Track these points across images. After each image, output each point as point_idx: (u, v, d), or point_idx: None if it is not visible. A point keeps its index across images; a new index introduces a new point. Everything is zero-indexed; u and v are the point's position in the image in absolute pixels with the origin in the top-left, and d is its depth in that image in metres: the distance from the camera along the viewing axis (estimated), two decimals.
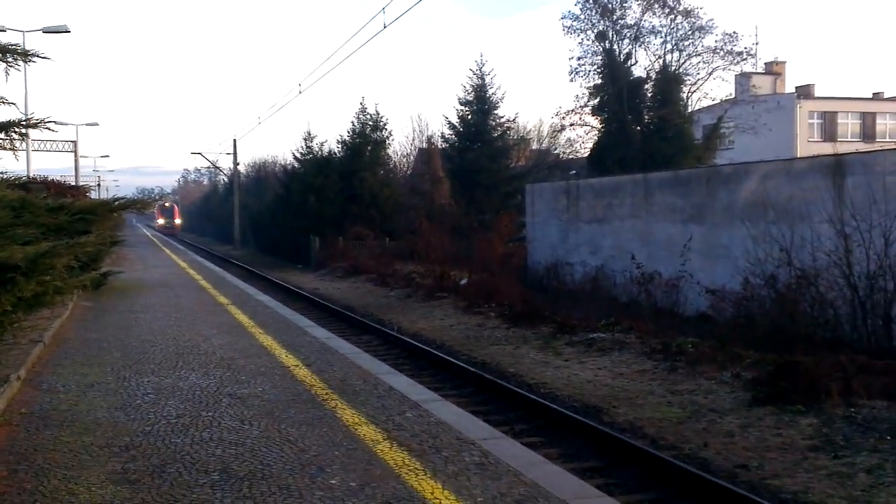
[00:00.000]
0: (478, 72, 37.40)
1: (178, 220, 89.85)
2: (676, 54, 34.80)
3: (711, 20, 39.43)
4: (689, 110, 34.95)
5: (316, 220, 35.21)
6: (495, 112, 37.66)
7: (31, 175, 20.96)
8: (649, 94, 34.58)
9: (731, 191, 17.02)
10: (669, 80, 33.91)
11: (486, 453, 5.76)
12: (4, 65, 6.37)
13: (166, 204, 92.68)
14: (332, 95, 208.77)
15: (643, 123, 34.23)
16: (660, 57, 34.97)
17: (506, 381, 11.30)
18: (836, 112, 42.94)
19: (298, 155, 41.38)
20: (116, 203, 7.03)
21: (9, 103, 6.51)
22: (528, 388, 10.91)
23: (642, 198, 19.77)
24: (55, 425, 6.56)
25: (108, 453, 5.79)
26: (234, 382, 8.18)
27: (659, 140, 32.56)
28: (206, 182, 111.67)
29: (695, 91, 35.43)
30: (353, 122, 38.82)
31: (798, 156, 31.93)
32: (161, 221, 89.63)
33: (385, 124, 38.87)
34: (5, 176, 7.28)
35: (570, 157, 41.65)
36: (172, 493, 4.98)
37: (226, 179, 69.71)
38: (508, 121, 38.60)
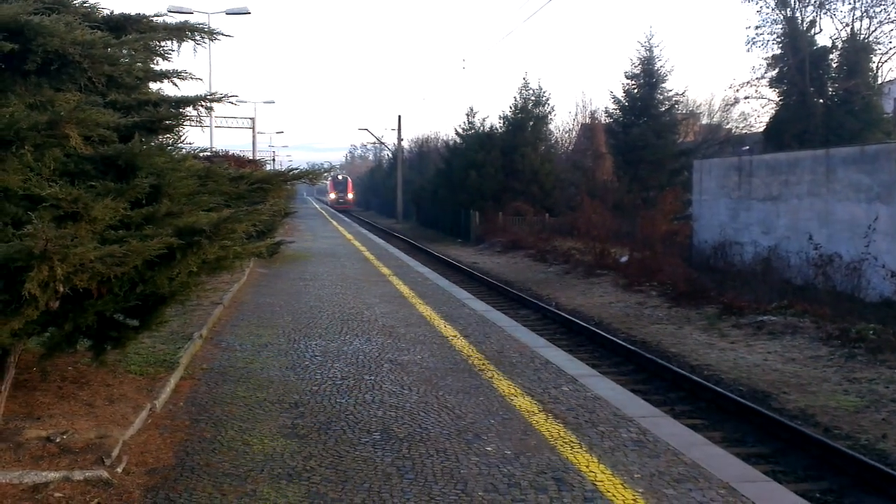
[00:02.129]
0: (646, 44, 36.24)
1: (350, 195, 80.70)
2: (866, 21, 32.33)
3: None
4: (879, 82, 32.31)
5: (476, 195, 35.51)
6: (663, 86, 36.37)
7: (214, 149, 22.49)
8: (834, 65, 32.23)
9: None
10: (858, 50, 31.49)
11: (645, 431, 5.62)
12: (193, 42, 6.81)
13: (339, 177, 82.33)
14: (495, 72, 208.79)
15: (826, 96, 31.97)
16: (847, 25, 32.61)
17: (667, 360, 10.98)
18: None
19: (460, 130, 41.82)
20: (291, 173, 7.34)
21: (196, 79, 6.98)
22: (691, 370, 10.55)
23: (823, 175, 18.48)
24: (232, 381, 7.03)
25: (280, 409, 6.14)
26: (394, 349, 8.44)
27: (844, 114, 30.30)
28: (371, 158, 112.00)
29: (886, 61, 32.84)
30: (515, 98, 38.71)
31: None
32: (333, 196, 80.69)
33: (547, 100, 38.53)
34: (192, 148, 7.81)
35: (744, 131, 39.63)
36: (337, 450, 5.22)
37: (390, 155, 71.00)
38: (677, 95, 37.22)
